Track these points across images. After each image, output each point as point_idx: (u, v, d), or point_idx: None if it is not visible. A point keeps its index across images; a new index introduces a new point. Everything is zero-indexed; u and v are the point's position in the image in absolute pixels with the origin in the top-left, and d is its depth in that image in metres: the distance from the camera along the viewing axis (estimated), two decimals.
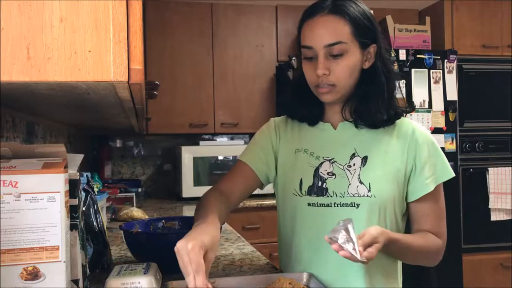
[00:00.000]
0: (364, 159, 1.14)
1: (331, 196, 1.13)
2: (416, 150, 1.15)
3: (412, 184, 1.16)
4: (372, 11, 1.18)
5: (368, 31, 1.11)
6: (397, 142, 1.16)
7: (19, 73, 0.57)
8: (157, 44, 3.20)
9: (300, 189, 1.16)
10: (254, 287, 1.02)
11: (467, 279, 3.10)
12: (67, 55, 0.57)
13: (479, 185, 3.21)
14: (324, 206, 1.14)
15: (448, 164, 1.19)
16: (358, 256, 0.91)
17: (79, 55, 0.58)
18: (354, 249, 0.91)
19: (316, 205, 1.14)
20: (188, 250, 0.84)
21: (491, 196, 3.19)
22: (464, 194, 3.17)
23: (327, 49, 1.08)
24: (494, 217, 3.19)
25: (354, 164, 1.14)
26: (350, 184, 1.13)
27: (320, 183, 1.15)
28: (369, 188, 1.11)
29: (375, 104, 1.13)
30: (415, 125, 1.19)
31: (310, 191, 1.15)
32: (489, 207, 3.18)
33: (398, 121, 1.18)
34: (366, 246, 0.94)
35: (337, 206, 1.13)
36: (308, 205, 1.15)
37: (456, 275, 3.05)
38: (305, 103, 1.21)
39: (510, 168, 3.21)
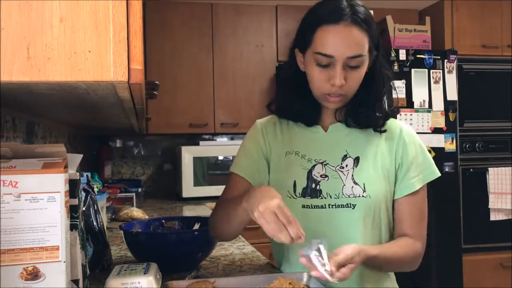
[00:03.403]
0: (356, 160, 1.15)
1: (325, 198, 1.13)
2: (403, 149, 1.17)
3: (398, 182, 1.17)
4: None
5: (377, 41, 1.12)
6: (386, 142, 1.18)
7: (19, 73, 0.57)
8: (157, 44, 3.20)
9: (294, 191, 1.15)
10: (254, 287, 1.02)
11: (467, 279, 3.10)
12: (67, 55, 0.57)
13: (479, 185, 3.21)
14: (319, 207, 1.13)
15: (434, 165, 1.19)
16: (329, 278, 0.92)
17: (79, 55, 0.58)
18: (326, 270, 0.92)
19: (310, 207, 1.14)
20: (278, 206, 0.91)
21: (491, 196, 3.19)
22: (464, 194, 3.17)
23: (347, 60, 1.06)
24: (494, 217, 3.19)
25: (346, 165, 1.15)
26: (344, 185, 1.13)
27: (313, 185, 1.14)
28: (364, 188, 1.12)
29: (370, 108, 1.15)
30: (402, 125, 1.21)
31: (304, 193, 1.14)
32: (489, 207, 3.19)
33: (386, 122, 1.20)
34: (340, 266, 0.94)
35: (332, 207, 1.13)
36: (302, 207, 1.14)
37: (456, 275, 3.05)
38: (303, 103, 1.18)
39: (510, 168, 3.21)
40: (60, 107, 1.06)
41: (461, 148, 3.18)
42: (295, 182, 1.15)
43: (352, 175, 1.13)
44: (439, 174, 1.19)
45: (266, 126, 1.25)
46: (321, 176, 1.15)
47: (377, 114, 1.15)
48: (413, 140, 1.19)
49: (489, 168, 3.21)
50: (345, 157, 1.16)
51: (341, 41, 1.05)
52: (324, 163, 1.16)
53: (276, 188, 1.17)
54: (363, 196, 1.12)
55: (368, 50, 1.09)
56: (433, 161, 1.20)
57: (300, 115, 1.21)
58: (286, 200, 1.15)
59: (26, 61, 0.57)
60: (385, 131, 1.18)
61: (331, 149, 1.17)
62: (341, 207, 1.12)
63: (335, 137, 1.19)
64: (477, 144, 3.23)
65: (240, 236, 1.77)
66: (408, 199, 1.16)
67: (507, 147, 3.30)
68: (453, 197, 3.08)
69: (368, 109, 1.15)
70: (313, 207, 1.13)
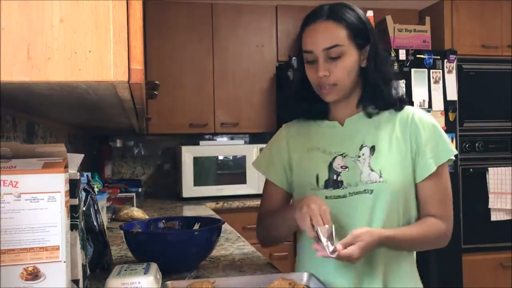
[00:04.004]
0: (372, 148, 1.20)
1: (346, 188, 1.19)
2: (416, 132, 1.20)
3: (417, 166, 1.20)
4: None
5: (363, 33, 1.18)
6: (400, 129, 1.22)
7: (19, 73, 0.57)
8: (157, 44, 3.20)
9: (317, 184, 1.22)
10: (254, 287, 1.02)
11: (467, 279, 3.10)
12: (67, 55, 0.57)
13: (479, 185, 3.21)
14: (341, 197, 1.19)
15: (450, 144, 1.22)
16: (328, 252, 0.99)
17: (79, 55, 0.58)
18: (327, 246, 1.00)
19: (333, 197, 1.20)
20: (320, 206, 1.05)
21: (491, 196, 3.19)
22: (464, 194, 3.17)
23: (326, 52, 1.15)
24: (494, 217, 3.19)
25: (363, 154, 1.20)
26: (361, 172, 1.18)
27: (335, 177, 1.20)
28: (381, 174, 1.17)
29: (383, 89, 1.20)
30: (415, 110, 1.25)
31: (326, 185, 1.21)
32: (489, 207, 3.18)
33: (400, 111, 1.24)
34: (347, 245, 1.02)
35: (351, 195, 1.18)
36: (325, 198, 1.19)
37: (456, 275, 3.05)
38: (311, 101, 1.26)
39: (510, 168, 3.21)
40: (60, 107, 1.06)
41: (461, 148, 3.18)
42: (317, 175, 1.22)
43: (369, 163, 1.18)
44: (455, 152, 1.21)
45: (291, 128, 1.35)
46: (341, 167, 1.21)
47: (391, 93, 1.21)
48: (425, 122, 1.22)
49: (489, 168, 3.21)
50: (361, 147, 1.21)
51: (317, 36, 1.17)
52: (344, 154, 1.22)
53: (300, 183, 1.28)
54: (379, 181, 1.16)
55: (352, 41, 1.16)
56: (449, 142, 1.22)
57: (312, 113, 1.29)
58: (310, 193, 1.22)
59: (26, 61, 0.57)
60: (402, 108, 1.22)
61: (349, 141, 1.23)
62: (359, 193, 1.17)
63: (352, 129, 1.24)
64: (477, 144, 3.23)
65: (240, 236, 1.77)
66: (428, 182, 1.20)
67: (507, 147, 3.30)
68: (453, 197, 3.06)
69: (382, 91, 1.20)
70: (335, 197, 1.19)
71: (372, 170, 1.18)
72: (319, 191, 1.21)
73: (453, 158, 1.21)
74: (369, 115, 1.23)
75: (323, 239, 1.01)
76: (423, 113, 1.24)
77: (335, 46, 1.14)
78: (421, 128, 1.20)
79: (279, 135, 1.36)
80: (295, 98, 1.32)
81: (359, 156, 1.20)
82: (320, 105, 1.27)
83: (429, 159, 1.19)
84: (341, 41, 1.15)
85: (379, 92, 1.20)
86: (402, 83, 2.97)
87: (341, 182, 1.19)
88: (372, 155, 1.19)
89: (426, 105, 3.03)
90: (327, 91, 1.18)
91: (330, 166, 1.22)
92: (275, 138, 1.38)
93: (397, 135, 1.21)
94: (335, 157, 1.22)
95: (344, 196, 1.18)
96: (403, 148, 1.19)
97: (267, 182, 1.36)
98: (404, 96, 1.27)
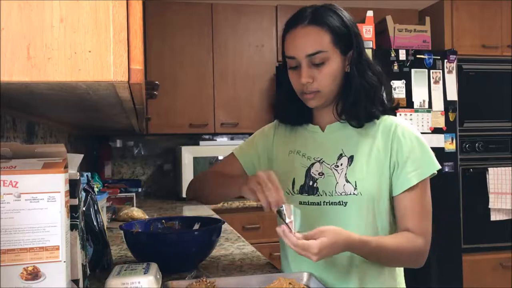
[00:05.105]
0: (350, 159, 1.17)
1: (321, 195, 1.17)
2: (397, 145, 1.15)
3: (395, 179, 1.15)
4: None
5: (347, 38, 1.15)
6: (381, 140, 1.17)
7: (19, 73, 0.57)
8: (157, 44, 3.20)
9: (293, 188, 1.21)
10: (254, 287, 1.02)
11: (467, 279, 3.10)
12: (67, 55, 0.57)
13: (479, 185, 3.21)
14: (315, 204, 1.17)
15: (433, 159, 1.16)
16: (293, 232, 0.98)
17: (79, 55, 0.58)
18: (289, 224, 0.99)
19: (307, 203, 1.18)
20: (269, 176, 1.04)
21: (491, 196, 3.19)
22: (464, 194, 3.17)
23: (309, 59, 1.12)
24: (494, 217, 3.19)
25: (341, 164, 1.17)
26: (337, 183, 1.16)
27: (311, 183, 1.19)
28: (355, 186, 1.14)
29: (354, 104, 1.17)
30: (399, 122, 1.20)
31: (301, 190, 1.20)
32: (489, 207, 3.19)
33: (382, 120, 1.20)
34: (310, 238, 0.97)
35: (326, 204, 1.16)
36: (299, 204, 1.18)
37: (456, 275, 3.05)
38: (295, 107, 1.24)
39: (510, 168, 3.21)
40: (60, 107, 1.06)
41: (461, 148, 3.18)
42: (294, 179, 1.21)
43: (346, 174, 1.16)
44: (438, 167, 1.16)
45: (281, 125, 1.33)
46: (318, 174, 1.19)
47: (362, 111, 1.16)
48: (408, 135, 1.17)
49: (489, 168, 3.21)
50: (340, 156, 1.18)
51: (298, 42, 1.13)
52: (321, 161, 1.20)
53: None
54: (354, 193, 1.14)
55: (335, 46, 1.13)
56: (432, 155, 1.17)
57: (296, 119, 1.27)
58: (285, 196, 1.19)
59: (26, 61, 0.57)
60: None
61: (328, 148, 1.21)
62: (334, 204, 1.15)
63: (332, 136, 1.22)
64: (477, 144, 3.23)
65: (240, 236, 1.77)
66: (406, 194, 1.14)
67: (507, 147, 3.30)
68: (453, 197, 3.08)
69: (362, 101, 1.16)
70: (309, 203, 1.18)
71: (347, 181, 1.15)
72: (294, 195, 1.19)
73: (436, 173, 1.15)
74: (351, 125, 1.19)
75: (287, 219, 1.00)
76: (407, 125, 1.20)
77: (318, 52, 1.11)
78: (403, 140, 1.15)
79: (269, 128, 1.35)
80: (281, 104, 1.30)
81: (337, 166, 1.17)
82: (305, 111, 1.24)
83: (409, 173, 1.13)
84: (324, 46, 1.12)
85: (359, 101, 1.16)
86: (402, 83, 2.97)
87: (317, 188, 1.17)
88: (350, 165, 1.16)
89: (426, 105, 3.03)
90: (310, 97, 1.15)
91: (308, 171, 1.20)
92: (264, 129, 1.37)
93: (378, 147, 1.16)
94: (314, 163, 1.20)
95: (319, 204, 1.16)
96: (382, 160, 1.15)
97: (230, 154, 1.36)
98: (393, 102, 1.23)
